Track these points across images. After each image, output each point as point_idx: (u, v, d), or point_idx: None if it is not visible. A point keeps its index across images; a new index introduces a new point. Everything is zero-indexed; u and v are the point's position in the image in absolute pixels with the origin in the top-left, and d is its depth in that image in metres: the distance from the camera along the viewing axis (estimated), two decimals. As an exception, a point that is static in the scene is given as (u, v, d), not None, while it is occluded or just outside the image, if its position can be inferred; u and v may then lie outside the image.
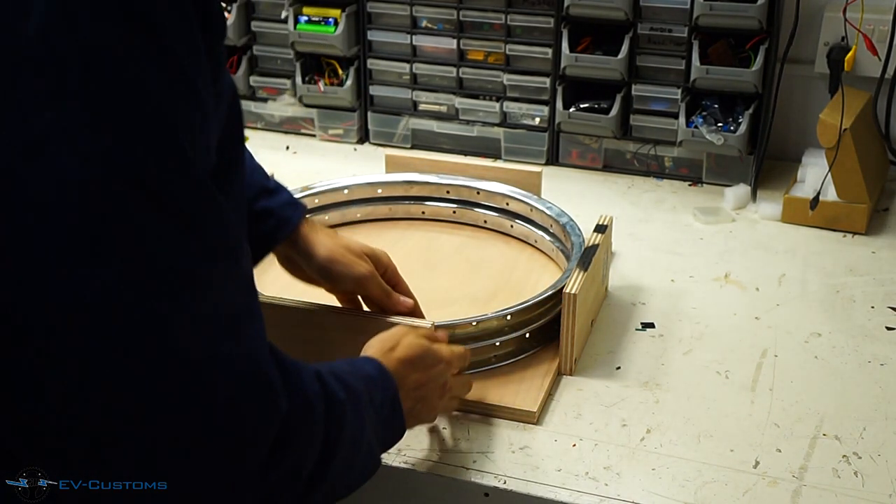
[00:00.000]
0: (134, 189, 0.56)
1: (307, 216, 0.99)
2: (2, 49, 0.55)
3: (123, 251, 0.56)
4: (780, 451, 0.91)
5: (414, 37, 1.54)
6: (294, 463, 0.66)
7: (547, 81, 1.50)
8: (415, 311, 0.99)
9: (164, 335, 0.58)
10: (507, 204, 1.27)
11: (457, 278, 1.18)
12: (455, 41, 1.52)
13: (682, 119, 1.43)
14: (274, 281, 1.03)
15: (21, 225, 0.55)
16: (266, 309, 0.67)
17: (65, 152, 0.55)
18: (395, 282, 1.01)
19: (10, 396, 0.58)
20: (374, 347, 0.85)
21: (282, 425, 0.64)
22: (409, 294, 1.01)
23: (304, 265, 0.97)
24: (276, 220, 0.95)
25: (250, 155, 0.91)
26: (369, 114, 1.61)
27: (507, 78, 1.52)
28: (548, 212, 1.21)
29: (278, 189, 0.97)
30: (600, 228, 1.11)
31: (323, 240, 0.98)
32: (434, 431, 0.93)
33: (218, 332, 0.61)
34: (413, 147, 1.59)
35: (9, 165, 0.54)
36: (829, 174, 1.31)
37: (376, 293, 0.98)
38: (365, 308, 1.00)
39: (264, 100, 1.66)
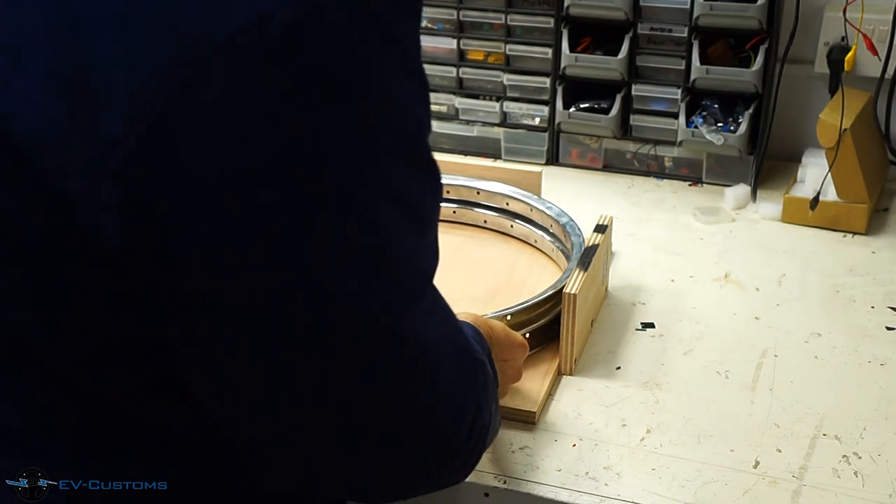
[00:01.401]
0: (395, 203, 0.58)
1: None
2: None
3: (384, 261, 0.58)
4: (780, 451, 0.91)
5: (414, 37, 1.54)
6: (480, 431, 0.70)
7: (547, 81, 1.50)
8: None
9: (402, 330, 0.61)
10: (507, 204, 1.27)
11: (457, 278, 1.18)
12: (455, 41, 1.52)
13: (682, 119, 1.43)
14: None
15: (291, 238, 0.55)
16: None
17: (337, 165, 0.54)
18: None
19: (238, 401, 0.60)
20: (468, 317, 0.87)
21: (477, 397, 0.69)
22: None
23: None
24: None
25: None
26: (369, 114, 1.61)
27: (507, 78, 1.52)
28: (548, 212, 1.21)
29: None
30: (600, 228, 1.11)
31: None
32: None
33: (439, 317, 0.65)
34: (413, 147, 1.59)
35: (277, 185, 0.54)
36: (829, 174, 1.31)
37: None
38: None
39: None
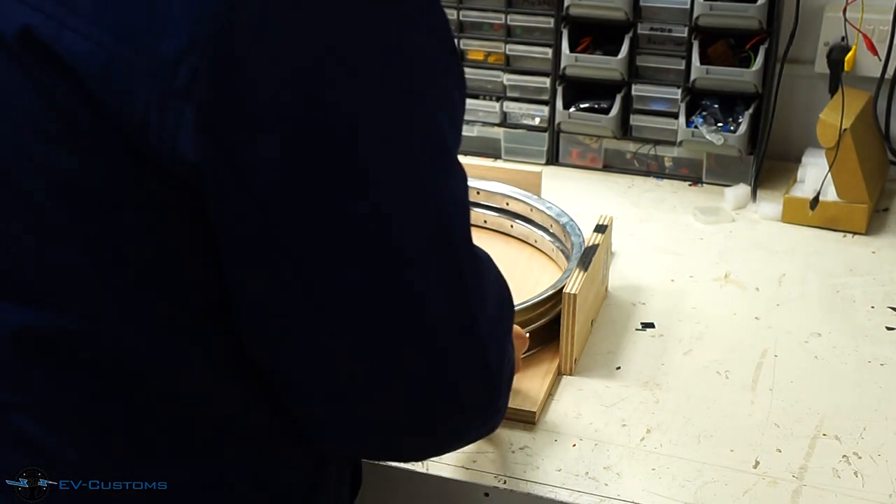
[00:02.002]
0: (445, 108, 0.60)
1: None
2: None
3: (441, 165, 0.61)
4: (780, 451, 0.91)
5: (414, 37, 1.54)
6: (510, 372, 0.71)
7: (547, 81, 1.50)
8: None
9: (457, 240, 0.63)
10: (507, 204, 1.27)
11: (457, 278, 1.18)
12: (455, 41, 1.52)
13: (682, 119, 1.43)
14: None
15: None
16: None
17: (398, 67, 0.56)
18: None
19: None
20: None
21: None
22: None
23: None
24: None
25: None
26: (369, 114, 1.61)
27: (507, 78, 1.52)
28: (548, 212, 1.21)
29: None
30: (600, 228, 1.11)
31: None
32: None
33: (476, 247, 0.66)
34: (413, 147, 1.59)
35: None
36: (829, 174, 1.31)
37: None
38: None
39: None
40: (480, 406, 0.68)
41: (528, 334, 1.01)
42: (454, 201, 0.62)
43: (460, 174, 0.63)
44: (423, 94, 0.58)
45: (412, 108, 0.57)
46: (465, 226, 0.64)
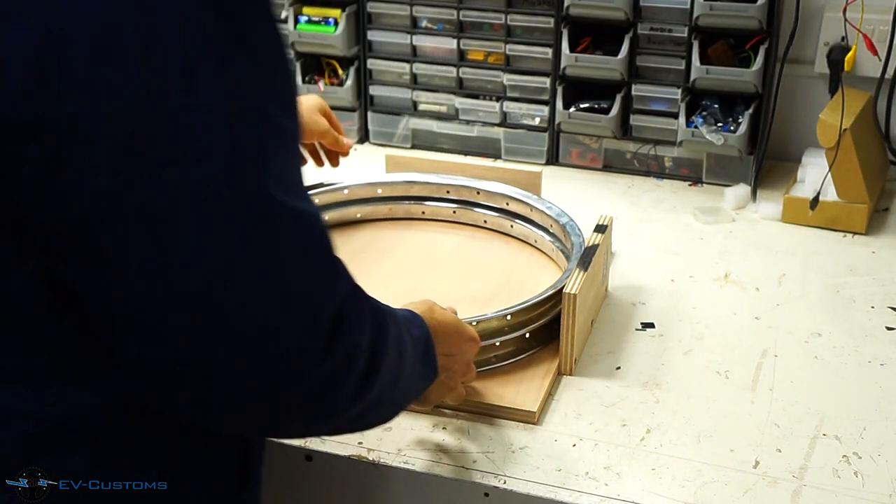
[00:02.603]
0: (247, 52, 0.58)
1: None
2: None
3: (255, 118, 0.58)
4: (780, 451, 0.91)
5: (414, 37, 1.54)
6: (348, 351, 0.64)
7: (547, 81, 1.50)
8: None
9: (255, 177, 0.59)
10: (507, 204, 1.27)
11: (457, 278, 1.18)
12: (455, 41, 1.53)
13: (682, 119, 1.43)
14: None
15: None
16: None
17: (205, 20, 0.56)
18: (334, 122, 1.27)
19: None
20: (418, 305, 0.84)
21: (339, 304, 0.64)
22: (342, 132, 1.28)
23: None
24: None
25: None
26: (369, 114, 1.61)
27: (507, 78, 1.52)
28: (548, 212, 1.21)
29: None
30: (600, 228, 1.11)
31: None
32: (433, 431, 0.93)
33: (309, 203, 0.63)
34: (413, 147, 1.59)
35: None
36: (829, 174, 1.31)
37: (330, 141, 1.25)
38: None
39: (264, 100, 1.66)
40: (273, 381, 0.61)
41: (527, 340, 1.01)
42: (259, 142, 0.59)
43: (278, 132, 0.60)
44: (215, 34, 0.57)
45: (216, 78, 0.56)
46: (266, 170, 0.59)
